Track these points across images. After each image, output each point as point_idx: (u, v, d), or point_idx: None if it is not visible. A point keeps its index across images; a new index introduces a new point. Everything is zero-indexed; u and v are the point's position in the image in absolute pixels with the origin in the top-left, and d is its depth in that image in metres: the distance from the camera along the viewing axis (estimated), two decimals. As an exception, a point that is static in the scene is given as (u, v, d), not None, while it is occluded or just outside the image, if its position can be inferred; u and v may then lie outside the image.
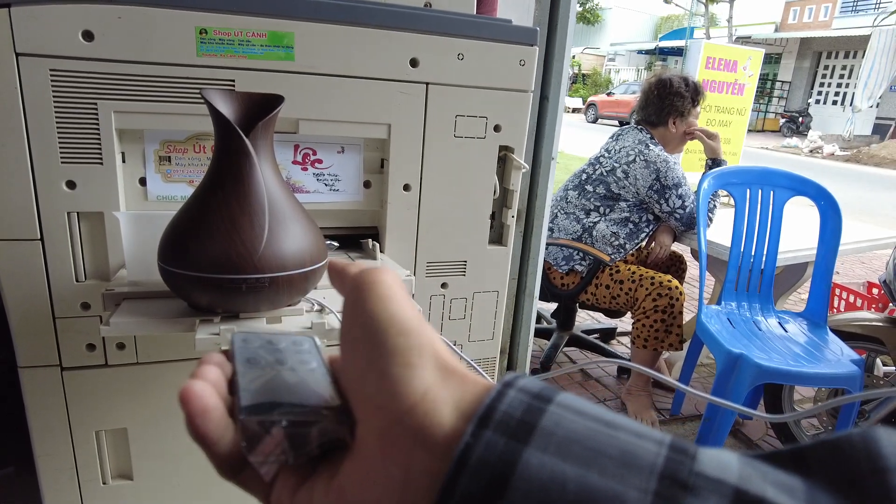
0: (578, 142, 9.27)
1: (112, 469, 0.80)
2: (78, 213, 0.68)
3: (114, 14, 0.63)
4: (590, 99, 16.33)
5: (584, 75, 23.01)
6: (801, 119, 14.69)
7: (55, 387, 0.73)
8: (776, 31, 17.73)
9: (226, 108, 0.54)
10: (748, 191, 1.72)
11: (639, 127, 1.92)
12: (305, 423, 0.25)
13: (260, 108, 0.56)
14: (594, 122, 15.31)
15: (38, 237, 0.67)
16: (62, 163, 0.66)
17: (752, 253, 1.73)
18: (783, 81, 17.60)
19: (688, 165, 3.26)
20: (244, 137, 0.51)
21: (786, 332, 1.64)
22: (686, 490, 0.17)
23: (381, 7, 0.73)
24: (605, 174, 1.86)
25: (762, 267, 1.73)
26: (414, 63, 0.76)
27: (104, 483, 0.80)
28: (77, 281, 0.70)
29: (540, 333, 2.14)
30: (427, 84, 0.77)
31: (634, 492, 0.17)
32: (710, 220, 1.82)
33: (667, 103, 1.86)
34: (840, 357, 1.48)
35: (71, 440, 0.76)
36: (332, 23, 0.71)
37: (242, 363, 0.28)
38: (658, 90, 1.88)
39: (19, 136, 0.63)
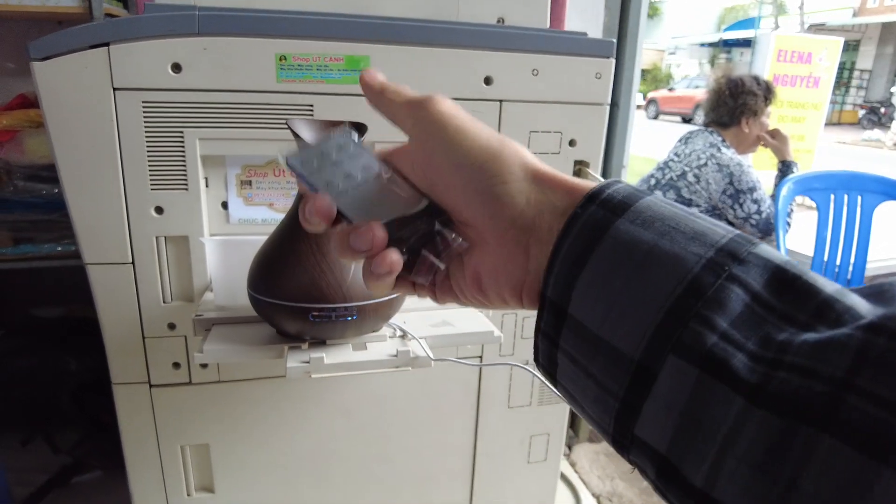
0: (640, 139, 9.01)
1: (195, 482, 0.83)
2: (165, 237, 0.71)
3: (200, 46, 0.65)
4: (650, 95, 15.85)
5: (643, 70, 22.39)
6: (883, 110, 13.73)
7: (144, 403, 0.76)
8: (854, 16, 16.67)
9: (311, 138, 0.54)
10: (832, 196, 1.62)
11: (709, 129, 1.84)
12: (432, 236, 0.28)
13: (342, 136, 0.56)
14: (655, 118, 14.86)
15: (130, 261, 0.70)
16: (151, 189, 0.69)
17: (838, 262, 1.62)
18: (862, 70, 16.52)
19: (757, 163, 3.10)
20: (330, 169, 0.51)
21: (877, 347, 1.52)
22: (736, 261, 0.21)
23: (455, 26, 0.72)
24: (675, 179, 1.79)
25: (849, 276, 1.62)
26: (488, 81, 0.74)
27: (188, 495, 0.83)
28: (164, 302, 0.73)
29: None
30: (501, 101, 0.76)
31: (692, 256, 0.21)
32: (788, 225, 1.72)
33: (740, 102, 1.78)
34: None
35: (158, 454, 0.79)
36: (407, 44, 0.70)
37: (323, 187, 0.29)
38: (730, 90, 1.80)
39: (115, 166, 0.66)
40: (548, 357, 0.26)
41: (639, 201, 0.24)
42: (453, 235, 0.28)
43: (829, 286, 0.20)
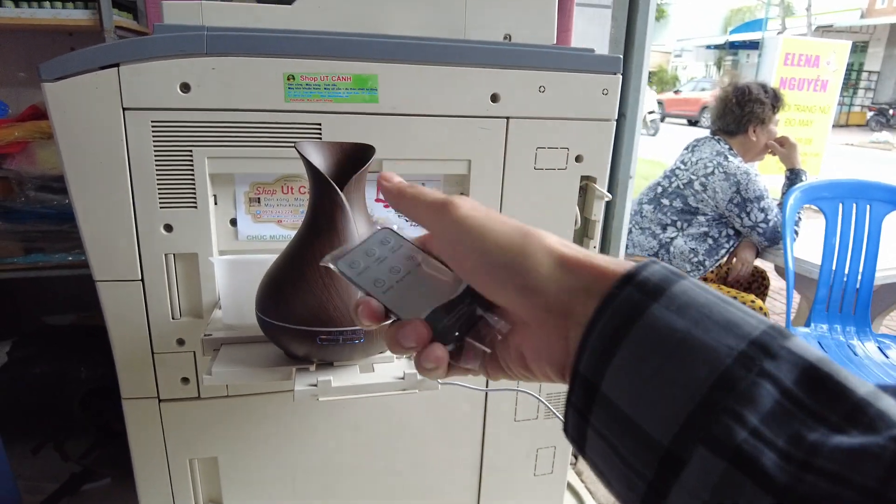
0: (645, 143, 8.97)
1: (204, 495, 0.84)
2: (174, 254, 0.72)
3: (208, 65, 0.66)
4: (656, 97, 15.80)
5: (649, 73, 22.26)
6: (892, 111, 13.63)
7: (153, 417, 0.77)
8: (862, 17, 16.55)
9: (319, 160, 0.55)
10: (840, 205, 1.61)
11: (716, 138, 1.83)
12: (476, 324, 0.29)
13: (350, 158, 0.56)
14: (661, 120, 14.80)
15: (140, 278, 0.71)
16: (160, 207, 0.69)
17: (846, 271, 1.61)
18: (870, 71, 16.39)
19: (763, 168, 3.07)
20: (339, 192, 0.52)
21: (887, 357, 1.51)
22: (768, 356, 0.21)
23: (463, 44, 0.73)
24: (681, 187, 1.78)
25: (857, 286, 1.61)
26: (494, 98, 0.75)
27: (196, 508, 0.83)
28: (173, 318, 0.74)
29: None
30: (508, 118, 0.76)
31: (725, 348, 0.22)
32: (796, 234, 1.71)
33: (746, 111, 1.78)
34: (951, 387, 1.35)
35: (167, 467, 0.80)
36: (415, 63, 0.71)
37: (373, 288, 0.31)
38: (737, 98, 1.80)
39: (124, 185, 0.67)
40: (577, 430, 0.26)
41: (674, 285, 0.24)
42: (495, 318, 0.30)
43: (861, 387, 0.21)
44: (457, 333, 0.29)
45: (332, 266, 0.32)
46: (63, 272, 1.26)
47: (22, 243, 1.24)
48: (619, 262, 0.27)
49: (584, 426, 0.26)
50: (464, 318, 0.29)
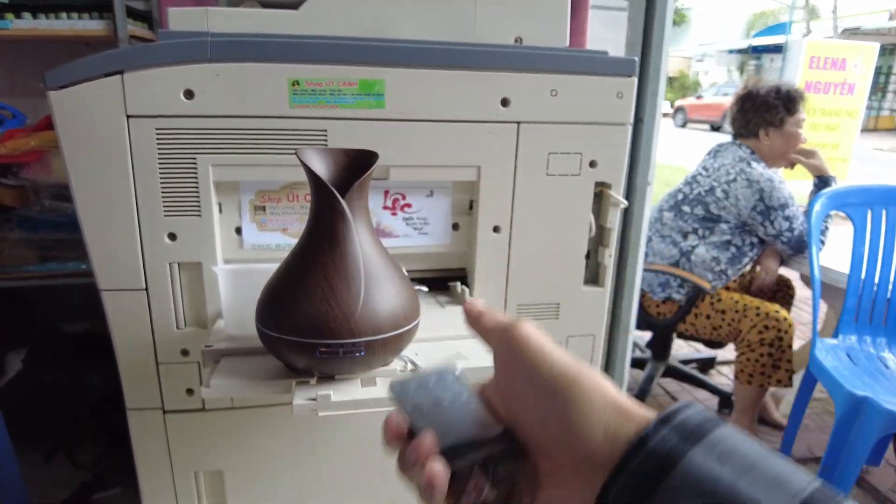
0: (668, 148, 8.86)
1: (209, 508, 0.82)
2: (178, 263, 0.70)
3: (212, 72, 0.65)
4: (677, 103, 15.61)
5: (670, 78, 22.08)
6: (920, 116, 13.29)
7: (158, 429, 0.76)
8: (890, 19, 16.17)
9: (321, 167, 0.53)
10: (870, 212, 1.55)
11: (738, 142, 1.79)
12: (490, 462, 0.28)
13: (354, 164, 0.55)
14: (683, 126, 14.63)
15: (144, 287, 0.70)
16: (165, 216, 0.68)
17: (876, 280, 1.55)
18: (899, 75, 15.99)
19: (789, 173, 2.99)
20: (341, 199, 0.50)
21: (920, 370, 1.45)
22: None
23: (471, 48, 0.71)
24: (703, 194, 1.74)
25: (888, 296, 1.55)
26: (505, 102, 0.73)
27: (202, 521, 0.82)
28: (177, 328, 0.72)
29: (633, 363, 2.03)
30: (518, 123, 0.74)
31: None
32: (822, 242, 1.65)
33: (750, 115, 1.74)
34: None
35: (172, 480, 0.79)
36: (422, 67, 0.69)
37: (411, 412, 0.32)
38: (742, 103, 1.76)
39: (128, 193, 0.66)
40: None
41: (714, 430, 0.23)
42: (516, 469, 0.29)
43: None
44: (468, 463, 0.28)
45: (389, 391, 0.34)
46: (77, 280, 1.27)
47: (37, 251, 1.25)
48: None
49: None
50: (484, 455, 0.28)
